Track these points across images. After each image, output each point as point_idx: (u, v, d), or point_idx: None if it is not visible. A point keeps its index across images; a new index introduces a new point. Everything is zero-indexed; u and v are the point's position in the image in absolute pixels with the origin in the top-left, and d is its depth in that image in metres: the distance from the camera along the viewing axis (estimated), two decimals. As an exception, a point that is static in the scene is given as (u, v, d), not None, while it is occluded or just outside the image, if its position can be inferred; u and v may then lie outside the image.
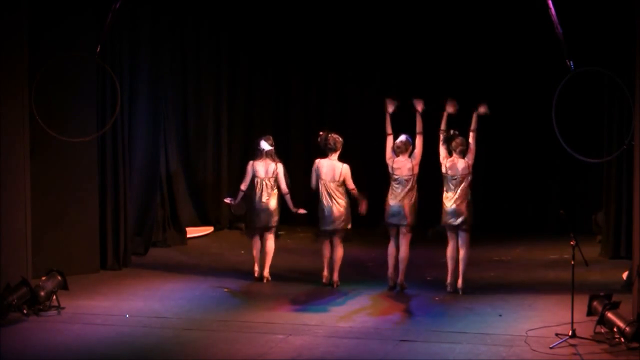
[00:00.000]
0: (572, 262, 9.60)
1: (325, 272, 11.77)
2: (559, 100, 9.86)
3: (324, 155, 11.79)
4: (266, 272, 12.05)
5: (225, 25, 15.90)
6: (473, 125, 11.49)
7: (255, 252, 12.15)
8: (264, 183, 12.00)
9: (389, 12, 15.74)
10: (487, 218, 15.17)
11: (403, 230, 11.48)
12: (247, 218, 12.35)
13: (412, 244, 11.58)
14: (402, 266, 11.51)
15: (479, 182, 14.68)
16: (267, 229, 12.06)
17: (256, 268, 12.14)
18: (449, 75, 15.77)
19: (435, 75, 15.83)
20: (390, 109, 11.66)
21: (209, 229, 15.66)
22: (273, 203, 12.01)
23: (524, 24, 14.64)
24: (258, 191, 12.01)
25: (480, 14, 15.23)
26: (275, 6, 15.92)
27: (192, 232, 15.15)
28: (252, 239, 12.18)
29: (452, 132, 11.45)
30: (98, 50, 10.82)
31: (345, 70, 16.44)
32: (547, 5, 9.70)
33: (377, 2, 15.75)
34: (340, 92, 16.59)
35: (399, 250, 11.51)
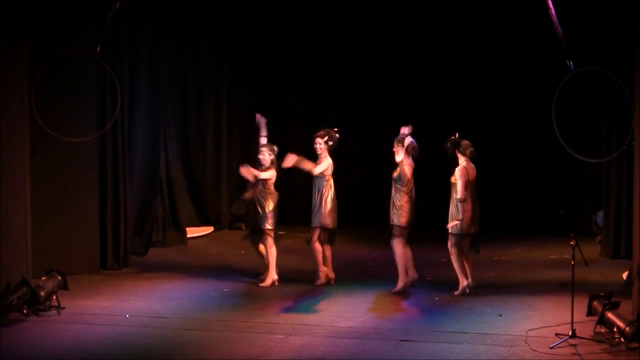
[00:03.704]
0: (572, 262, 9.60)
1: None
2: (559, 100, 9.86)
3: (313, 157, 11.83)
4: (275, 275, 12.01)
5: (225, 25, 15.90)
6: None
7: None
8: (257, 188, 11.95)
9: (388, 11, 15.74)
10: (487, 218, 15.16)
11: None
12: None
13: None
14: (410, 263, 11.62)
15: (480, 182, 14.71)
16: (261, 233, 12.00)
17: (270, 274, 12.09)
18: (449, 74, 15.78)
19: (435, 74, 15.85)
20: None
21: (209, 229, 15.66)
22: (266, 207, 11.92)
23: (524, 23, 14.64)
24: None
25: (480, 14, 15.23)
26: (275, 6, 15.93)
27: (192, 232, 15.15)
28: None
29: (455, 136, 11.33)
30: (98, 50, 10.82)
31: (345, 70, 16.45)
32: (547, 5, 9.70)
33: (377, 1, 15.75)
34: (340, 92, 16.60)
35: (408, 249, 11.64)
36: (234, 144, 16.26)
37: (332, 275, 11.91)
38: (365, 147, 14.87)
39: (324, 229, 11.68)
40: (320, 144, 11.65)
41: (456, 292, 11.21)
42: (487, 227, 14.86)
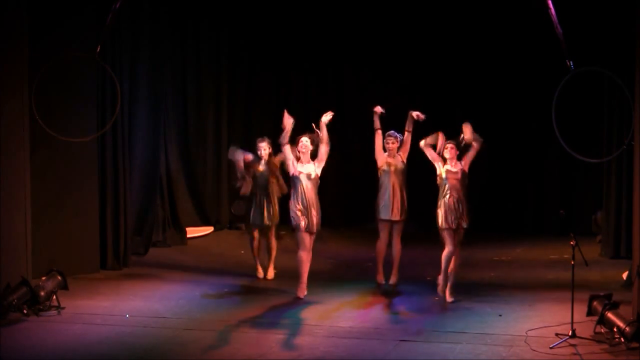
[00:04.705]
0: (572, 262, 9.60)
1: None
2: (559, 100, 9.86)
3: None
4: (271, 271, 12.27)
5: (225, 25, 15.91)
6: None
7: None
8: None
9: (388, 10, 15.75)
10: (487, 218, 15.19)
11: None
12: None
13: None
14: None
15: (479, 183, 14.70)
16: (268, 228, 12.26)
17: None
18: (449, 73, 15.80)
19: (435, 73, 15.86)
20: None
21: (209, 229, 15.67)
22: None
23: (524, 23, 14.65)
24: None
25: (480, 14, 15.25)
26: (275, 6, 15.93)
27: (192, 232, 15.15)
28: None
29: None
30: (98, 50, 10.82)
31: (345, 69, 16.46)
32: (547, 5, 9.70)
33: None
34: (340, 91, 16.61)
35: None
36: (234, 143, 16.23)
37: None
38: (366, 145, 14.82)
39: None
40: (305, 145, 11.18)
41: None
42: (487, 227, 14.94)
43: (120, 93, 11.68)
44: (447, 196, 10.91)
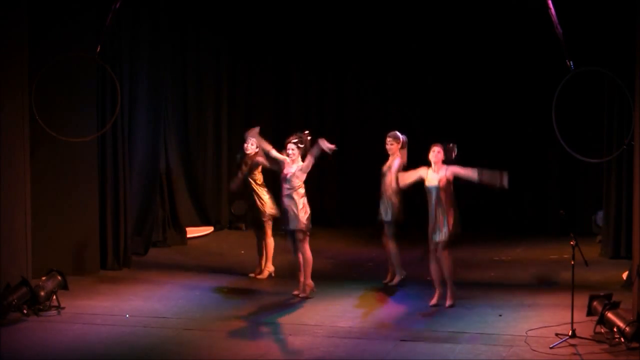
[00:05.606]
0: (572, 262, 9.61)
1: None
2: (559, 100, 9.86)
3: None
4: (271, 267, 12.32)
5: (225, 25, 15.92)
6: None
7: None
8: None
9: (388, 9, 15.74)
10: (488, 218, 15.18)
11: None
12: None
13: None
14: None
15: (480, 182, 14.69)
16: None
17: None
18: (449, 73, 15.79)
19: (435, 73, 15.86)
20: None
21: (209, 229, 15.67)
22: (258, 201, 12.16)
23: (524, 23, 14.65)
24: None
25: (480, 14, 15.24)
26: (275, 6, 15.93)
27: (192, 232, 15.15)
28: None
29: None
30: (98, 50, 10.82)
31: (344, 69, 16.47)
32: (547, 5, 9.70)
33: (376, 0, 15.77)
34: (340, 91, 16.61)
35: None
36: (234, 143, 16.25)
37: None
38: (366, 146, 14.87)
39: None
40: (293, 149, 11.11)
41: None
42: (488, 227, 14.93)
43: (120, 93, 11.68)
44: (429, 206, 10.61)
